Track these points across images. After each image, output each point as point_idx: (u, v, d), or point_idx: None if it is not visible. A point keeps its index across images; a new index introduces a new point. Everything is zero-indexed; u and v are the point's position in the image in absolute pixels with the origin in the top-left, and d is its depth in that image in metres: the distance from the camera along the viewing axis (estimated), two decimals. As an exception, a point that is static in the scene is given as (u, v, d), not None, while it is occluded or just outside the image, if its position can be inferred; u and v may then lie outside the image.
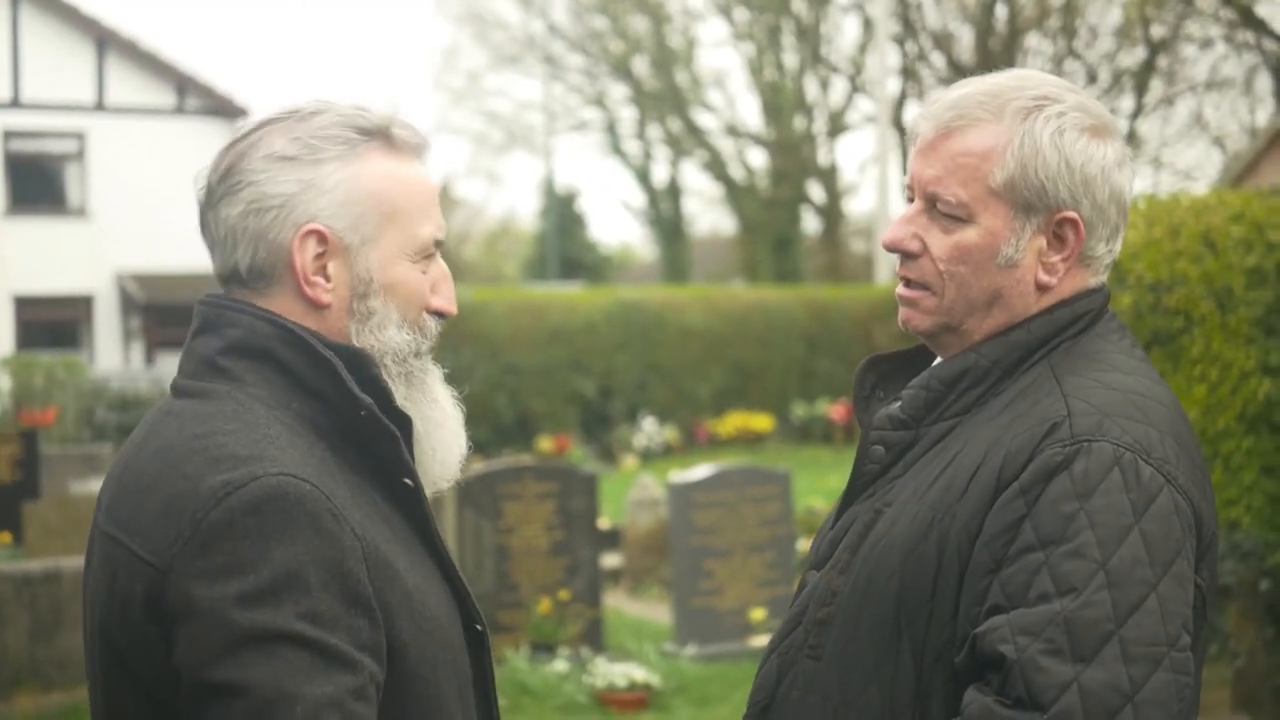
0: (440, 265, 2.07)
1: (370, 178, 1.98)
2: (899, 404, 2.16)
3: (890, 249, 2.16)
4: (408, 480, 1.97)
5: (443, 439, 2.07)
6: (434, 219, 2.04)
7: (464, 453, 2.12)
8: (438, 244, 2.05)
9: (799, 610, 2.17)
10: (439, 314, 2.06)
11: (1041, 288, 2.11)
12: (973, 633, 1.92)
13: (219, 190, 1.98)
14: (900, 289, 2.18)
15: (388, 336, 1.99)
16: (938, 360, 2.21)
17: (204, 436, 1.87)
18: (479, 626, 2.05)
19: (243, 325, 1.96)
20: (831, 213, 39.14)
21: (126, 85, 29.89)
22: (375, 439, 1.94)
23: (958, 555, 1.97)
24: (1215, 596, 2.06)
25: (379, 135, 2.00)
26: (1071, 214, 2.08)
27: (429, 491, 2.06)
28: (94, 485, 13.25)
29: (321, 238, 1.95)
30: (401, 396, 2.00)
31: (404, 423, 1.97)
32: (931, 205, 2.12)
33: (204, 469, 1.83)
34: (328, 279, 1.97)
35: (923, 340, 2.22)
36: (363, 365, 1.95)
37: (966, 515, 1.97)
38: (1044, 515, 1.91)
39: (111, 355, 29.16)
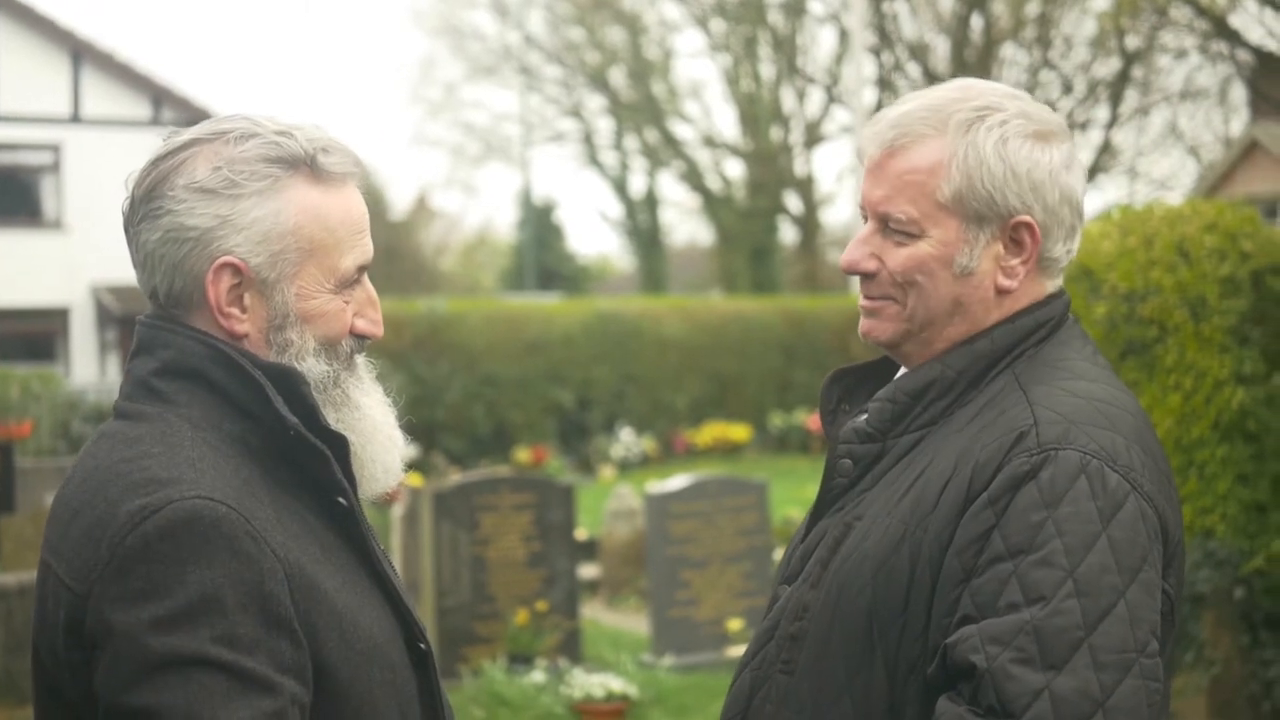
0: (366, 289, 2.05)
1: (290, 213, 1.96)
2: (865, 417, 2.17)
3: (848, 271, 2.18)
4: (341, 499, 1.96)
5: (378, 448, 2.06)
6: (358, 248, 2.01)
7: (404, 450, 2.11)
8: (362, 270, 2.03)
9: (770, 625, 2.17)
10: (363, 337, 2.05)
11: (1001, 292, 2.12)
12: (944, 643, 1.93)
13: (140, 210, 1.97)
14: (863, 300, 2.19)
15: (306, 366, 1.98)
16: (902, 371, 2.21)
17: (129, 460, 1.87)
18: (422, 645, 2.04)
19: (175, 346, 1.95)
20: (808, 223, 39.19)
21: (102, 97, 29.76)
22: (306, 458, 1.93)
23: (930, 567, 1.98)
24: (1182, 603, 2.07)
25: (303, 164, 1.97)
26: (1026, 218, 2.09)
27: (381, 494, 2.06)
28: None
29: (236, 270, 1.94)
30: (333, 420, 1.99)
31: (336, 441, 1.96)
32: (884, 225, 2.14)
33: (124, 493, 1.83)
34: (243, 310, 1.96)
35: (885, 352, 2.22)
36: (292, 384, 1.94)
37: (938, 527, 1.98)
38: (1012, 525, 1.92)
39: (87, 368, 29.03)
